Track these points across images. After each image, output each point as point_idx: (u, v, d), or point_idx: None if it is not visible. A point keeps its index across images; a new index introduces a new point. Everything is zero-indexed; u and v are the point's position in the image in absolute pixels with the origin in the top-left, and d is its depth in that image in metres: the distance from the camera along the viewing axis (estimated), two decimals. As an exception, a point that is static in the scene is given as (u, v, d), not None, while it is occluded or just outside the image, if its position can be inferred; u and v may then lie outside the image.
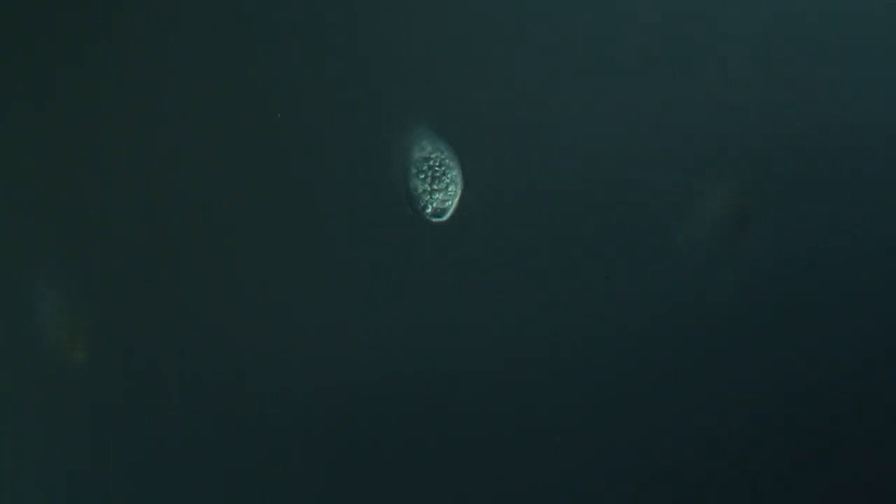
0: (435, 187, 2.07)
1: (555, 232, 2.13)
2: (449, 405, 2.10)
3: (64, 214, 2.07)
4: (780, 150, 2.17)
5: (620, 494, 2.12)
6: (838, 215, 2.17)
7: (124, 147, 2.09)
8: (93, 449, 2.05)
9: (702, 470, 2.13)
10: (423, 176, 2.04)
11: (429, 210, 2.06)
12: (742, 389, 2.14)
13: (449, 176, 2.06)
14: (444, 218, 2.06)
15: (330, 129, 2.12)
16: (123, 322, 2.05)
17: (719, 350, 2.15)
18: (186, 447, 2.06)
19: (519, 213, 2.13)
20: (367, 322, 2.10)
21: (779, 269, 2.15)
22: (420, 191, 2.07)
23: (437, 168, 2.07)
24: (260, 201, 2.10)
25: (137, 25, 2.09)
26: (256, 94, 2.11)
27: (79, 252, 2.06)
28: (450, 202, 2.06)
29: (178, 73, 2.10)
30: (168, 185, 2.09)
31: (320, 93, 2.12)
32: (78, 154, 2.08)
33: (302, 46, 2.12)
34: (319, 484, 2.09)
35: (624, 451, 2.12)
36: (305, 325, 2.09)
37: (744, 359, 2.15)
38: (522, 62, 2.14)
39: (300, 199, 2.11)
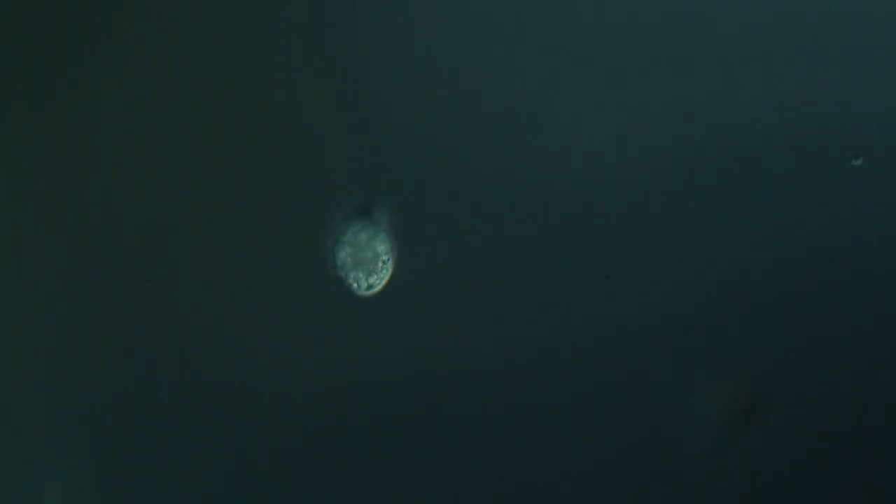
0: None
1: (555, 232, 2.13)
2: (449, 405, 2.10)
3: (64, 214, 2.07)
4: (780, 150, 2.17)
5: (620, 494, 2.12)
6: (838, 215, 2.17)
7: (123, 149, 2.09)
8: (92, 449, 2.05)
9: (702, 470, 2.14)
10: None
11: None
12: (744, 391, 2.15)
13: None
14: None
15: (331, 129, 2.13)
16: (123, 322, 2.05)
17: (719, 350, 2.15)
18: (186, 448, 2.06)
19: (518, 213, 2.13)
20: (367, 322, 2.10)
21: (779, 269, 2.16)
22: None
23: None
24: (260, 202, 2.10)
25: (137, 25, 2.09)
26: (257, 96, 2.11)
27: (79, 250, 2.07)
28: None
29: (177, 74, 2.10)
30: (168, 187, 2.09)
31: (320, 92, 2.12)
32: (77, 156, 2.08)
33: (301, 52, 2.13)
34: (319, 484, 2.09)
35: (624, 452, 2.12)
36: (305, 325, 2.09)
37: (744, 359, 2.15)
38: (519, 62, 2.15)
39: (301, 199, 2.11)
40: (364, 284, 2.07)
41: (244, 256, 2.09)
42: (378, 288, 2.07)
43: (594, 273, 2.13)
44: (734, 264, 2.16)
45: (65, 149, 2.07)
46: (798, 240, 2.16)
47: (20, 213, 2.07)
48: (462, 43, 2.14)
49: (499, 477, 2.11)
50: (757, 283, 2.15)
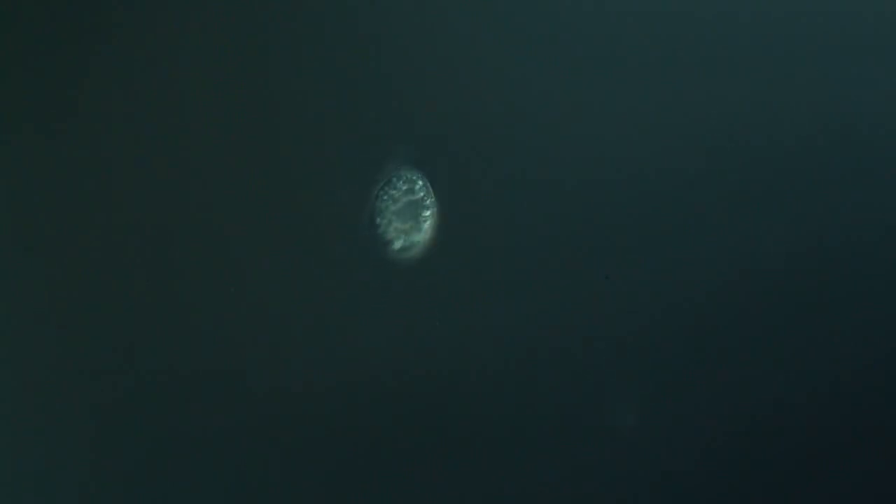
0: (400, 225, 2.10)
1: (555, 232, 2.13)
2: (448, 404, 2.10)
3: (64, 215, 2.08)
4: (781, 150, 2.17)
5: (620, 494, 2.12)
6: (838, 215, 2.17)
7: (123, 149, 2.09)
8: (92, 449, 2.05)
9: (702, 470, 2.13)
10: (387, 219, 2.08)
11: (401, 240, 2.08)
12: (744, 390, 2.14)
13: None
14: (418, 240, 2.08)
15: (331, 129, 2.13)
16: (123, 321, 2.06)
17: (720, 350, 2.15)
18: (186, 447, 2.06)
19: (518, 212, 2.13)
20: (368, 321, 2.10)
21: (779, 269, 2.16)
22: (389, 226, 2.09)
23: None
24: (260, 202, 2.11)
25: (137, 25, 2.10)
26: (257, 97, 2.12)
27: (80, 248, 2.07)
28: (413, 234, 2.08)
29: (175, 75, 2.11)
30: (170, 186, 2.09)
31: (321, 93, 2.13)
32: (78, 156, 2.09)
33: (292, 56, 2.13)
34: (320, 484, 2.09)
35: (624, 452, 2.12)
36: (306, 325, 2.10)
37: (745, 359, 2.15)
38: (516, 60, 2.15)
39: (301, 198, 2.12)
40: (403, 239, 2.06)
41: (244, 256, 2.09)
42: (417, 246, 2.07)
43: (594, 273, 2.14)
44: (735, 264, 2.16)
45: (68, 147, 2.08)
46: (798, 240, 2.16)
47: (22, 213, 2.07)
48: (462, 42, 2.15)
49: (499, 477, 2.11)
50: (757, 283, 2.15)
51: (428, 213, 2.06)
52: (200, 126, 2.11)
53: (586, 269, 2.14)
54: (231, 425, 2.07)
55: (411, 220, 2.07)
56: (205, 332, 2.08)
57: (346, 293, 2.10)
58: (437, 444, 2.10)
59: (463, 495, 2.10)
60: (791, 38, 2.19)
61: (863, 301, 2.16)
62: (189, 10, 2.12)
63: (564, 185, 2.14)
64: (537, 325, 2.12)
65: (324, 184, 2.12)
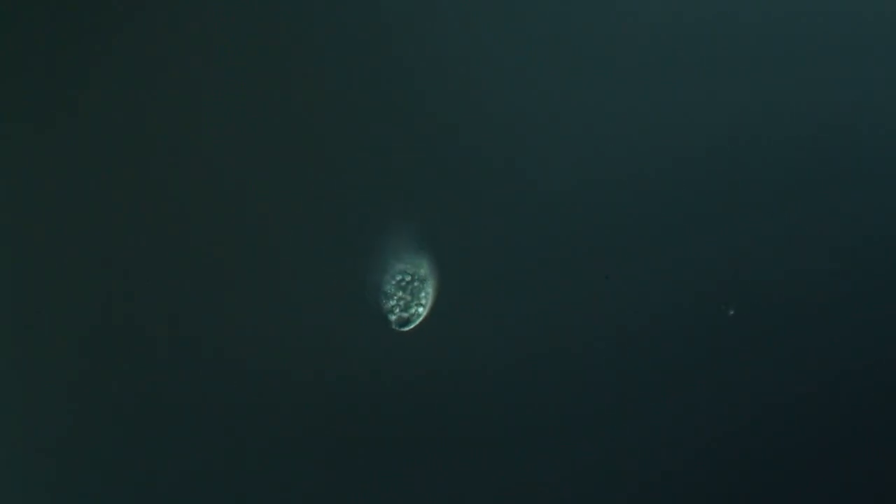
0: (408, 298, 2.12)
1: (555, 232, 2.14)
2: (448, 404, 2.10)
3: (64, 214, 2.08)
4: (780, 150, 2.17)
5: (620, 494, 2.12)
6: (838, 216, 2.17)
7: (122, 149, 2.09)
8: (92, 448, 2.05)
9: (702, 470, 2.13)
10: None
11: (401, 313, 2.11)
12: (743, 390, 2.14)
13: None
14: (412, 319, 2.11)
15: (332, 127, 2.13)
16: (123, 321, 2.06)
17: (720, 350, 2.15)
18: (186, 447, 2.06)
19: (518, 213, 2.13)
20: (368, 321, 2.10)
21: (778, 268, 2.16)
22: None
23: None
24: (260, 203, 2.11)
25: (137, 26, 2.10)
26: (257, 101, 2.12)
27: (79, 248, 2.07)
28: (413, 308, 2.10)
29: (172, 77, 2.11)
30: (171, 186, 2.09)
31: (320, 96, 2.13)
32: (77, 156, 2.09)
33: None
34: (320, 484, 2.09)
35: (624, 452, 2.12)
36: (306, 325, 2.10)
37: (745, 359, 2.15)
38: (516, 62, 2.15)
39: (303, 197, 2.12)
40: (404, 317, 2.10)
41: (245, 255, 2.09)
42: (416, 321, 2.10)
43: (594, 273, 2.14)
44: (735, 264, 2.16)
45: (68, 147, 2.08)
46: (798, 240, 2.16)
47: (20, 213, 2.08)
48: (462, 41, 2.15)
49: (499, 477, 2.11)
50: (757, 283, 2.15)
51: (425, 294, 2.09)
52: (200, 126, 2.11)
53: (586, 269, 2.14)
54: (231, 425, 2.07)
55: (411, 299, 2.10)
56: (203, 332, 2.08)
57: (345, 292, 2.10)
58: (437, 444, 2.10)
59: (463, 495, 2.10)
60: (791, 38, 2.19)
61: (863, 301, 2.16)
62: (188, 10, 2.12)
63: (564, 185, 2.14)
64: (537, 325, 2.12)
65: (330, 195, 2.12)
